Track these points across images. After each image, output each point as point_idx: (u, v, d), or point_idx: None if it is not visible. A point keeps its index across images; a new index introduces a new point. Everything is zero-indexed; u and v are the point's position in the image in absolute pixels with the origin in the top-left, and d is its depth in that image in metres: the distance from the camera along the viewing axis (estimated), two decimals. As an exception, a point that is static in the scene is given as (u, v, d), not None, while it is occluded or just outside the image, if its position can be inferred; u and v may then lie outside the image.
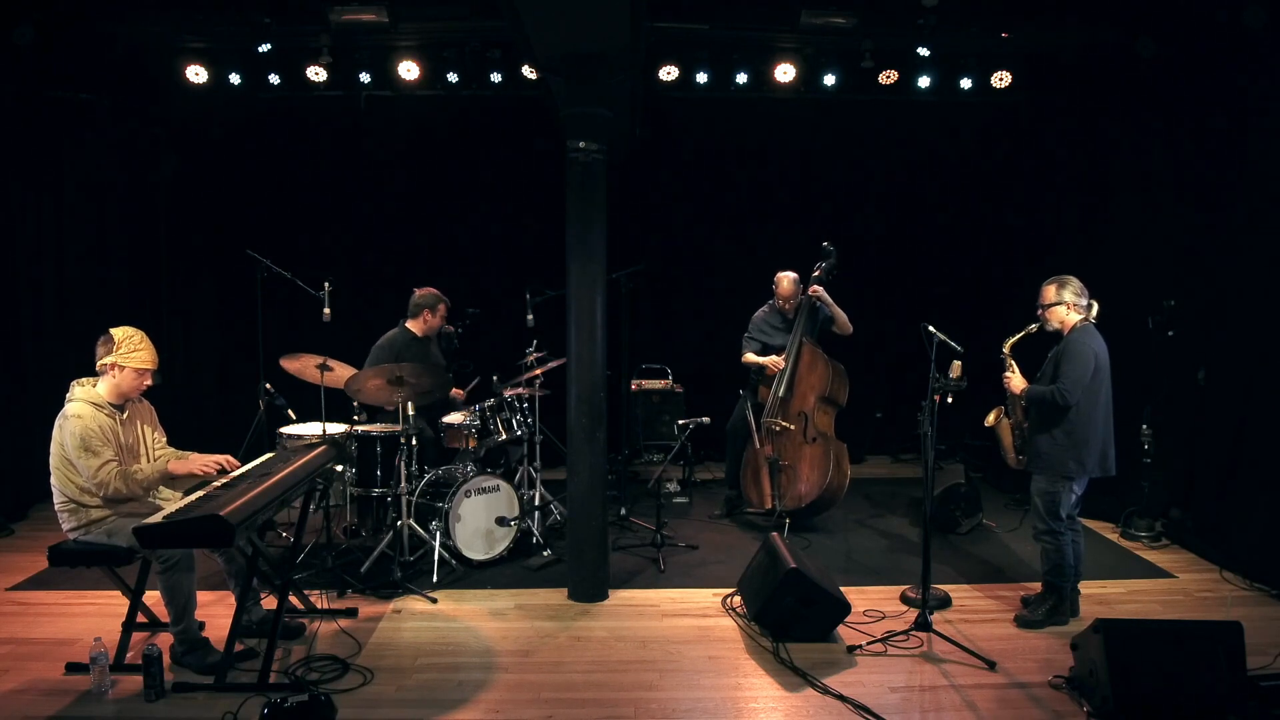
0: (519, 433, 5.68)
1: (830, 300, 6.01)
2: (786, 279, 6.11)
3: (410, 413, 5.04)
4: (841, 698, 3.77)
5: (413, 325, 5.79)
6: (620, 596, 4.90)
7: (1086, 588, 4.75)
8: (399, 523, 5.11)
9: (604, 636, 4.40)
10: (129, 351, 3.88)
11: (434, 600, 4.79)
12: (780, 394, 6.00)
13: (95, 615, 4.54)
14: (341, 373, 5.33)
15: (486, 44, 6.65)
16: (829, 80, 6.85)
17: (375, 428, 5.38)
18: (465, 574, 5.15)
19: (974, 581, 5.13)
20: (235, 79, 6.77)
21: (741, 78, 6.94)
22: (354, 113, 7.21)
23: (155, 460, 4.11)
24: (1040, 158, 7.28)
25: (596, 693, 3.84)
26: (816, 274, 6.04)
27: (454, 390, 6.11)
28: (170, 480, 4.00)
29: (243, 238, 6.57)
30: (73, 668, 3.94)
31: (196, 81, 6.76)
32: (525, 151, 7.48)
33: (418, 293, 5.84)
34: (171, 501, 3.85)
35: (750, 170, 7.89)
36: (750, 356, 6.21)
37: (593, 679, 3.97)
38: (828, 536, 5.94)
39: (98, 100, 6.84)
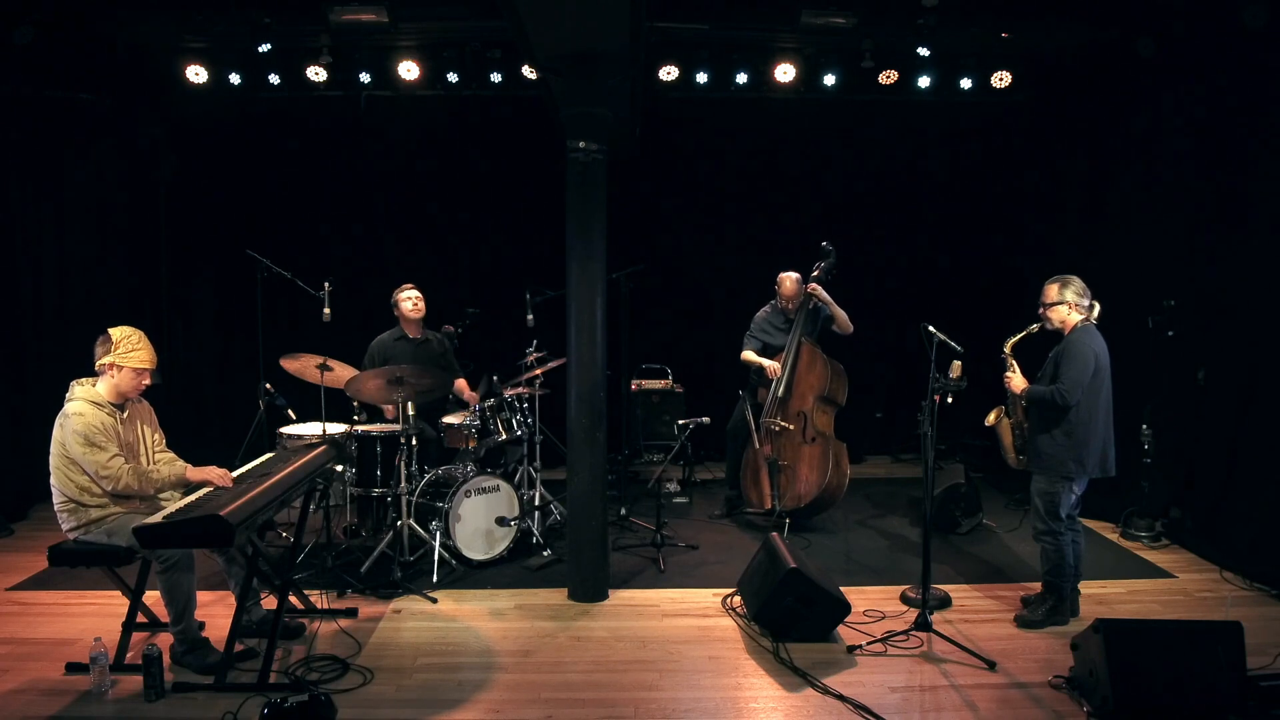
0: (519, 433, 5.68)
1: (829, 299, 6.01)
2: (789, 279, 6.11)
3: (410, 413, 5.04)
4: (841, 698, 3.77)
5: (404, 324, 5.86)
6: (620, 596, 4.90)
7: (1086, 588, 4.75)
8: (399, 523, 5.11)
9: (604, 636, 4.40)
10: (127, 351, 3.88)
11: (434, 600, 4.79)
12: (779, 394, 6.00)
13: (95, 615, 4.54)
14: (341, 373, 5.34)
15: (486, 44, 6.65)
16: (829, 80, 6.85)
17: (375, 428, 5.38)
18: (465, 574, 5.15)
19: (974, 581, 5.13)
20: (235, 79, 6.77)
21: (741, 78, 6.94)
22: (354, 113, 7.21)
23: (157, 462, 4.11)
24: (1040, 158, 7.28)
25: (596, 693, 3.84)
26: (816, 274, 6.04)
27: (459, 382, 6.08)
28: (182, 484, 4.01)
29: (243, 238, 6.57)
30: (73, 668, 3.94)
31: (196, 81, 6.76)
32: (525, 151, 7.48)
33: None
34: (172, 501, 3.85)
35: (750, 170, 7.89)
36: (749, 355, 6.21)
37: (593, 679, 3.97)
38: (828, 536, 5.94)
39: (98, 100, 6.83)
